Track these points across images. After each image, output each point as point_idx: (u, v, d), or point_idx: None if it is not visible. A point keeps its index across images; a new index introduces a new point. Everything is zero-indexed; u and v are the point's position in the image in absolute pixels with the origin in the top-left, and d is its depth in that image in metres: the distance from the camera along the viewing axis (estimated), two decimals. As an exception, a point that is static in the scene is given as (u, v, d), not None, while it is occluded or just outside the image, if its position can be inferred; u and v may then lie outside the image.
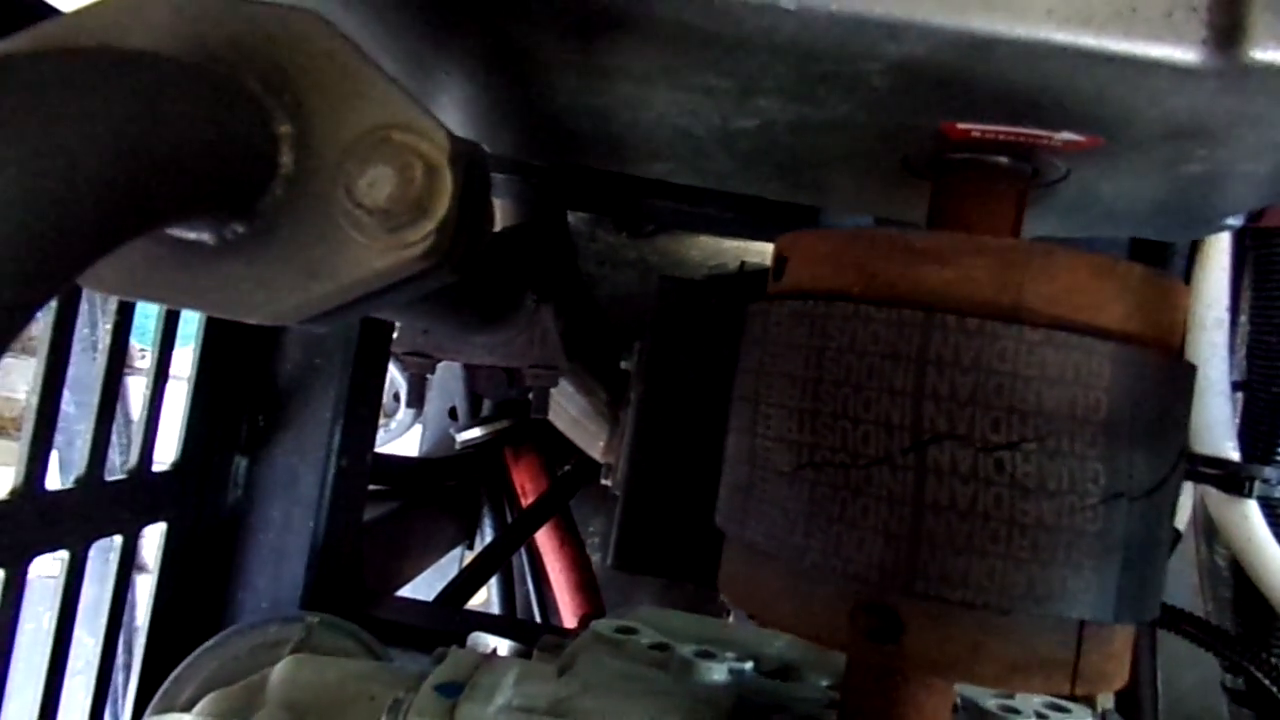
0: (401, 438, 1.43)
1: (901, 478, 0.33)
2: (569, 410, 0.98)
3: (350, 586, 0.76)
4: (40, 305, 0.20)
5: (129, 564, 0.59)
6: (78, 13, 0.27)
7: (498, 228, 0.84)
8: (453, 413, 1.25)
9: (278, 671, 0.43)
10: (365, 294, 0.28)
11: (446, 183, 0.27)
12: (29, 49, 0.27)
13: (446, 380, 1.29)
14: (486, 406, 1.19)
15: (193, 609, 0.66)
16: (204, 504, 0.67)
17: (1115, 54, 0.28)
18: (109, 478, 0.56)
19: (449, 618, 0.81)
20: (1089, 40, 0.28)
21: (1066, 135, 0.36)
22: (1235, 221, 0.45)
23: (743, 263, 1.11)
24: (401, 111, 0.27)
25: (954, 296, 0.34)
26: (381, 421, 1.43)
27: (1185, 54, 0.28)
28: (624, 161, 0.53)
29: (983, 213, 0.42)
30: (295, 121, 0.27)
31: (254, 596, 0.69)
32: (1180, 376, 0.36)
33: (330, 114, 0.27)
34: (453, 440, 1.21)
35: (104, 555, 0.58)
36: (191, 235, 0.27)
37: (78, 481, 0.53)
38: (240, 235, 0.27)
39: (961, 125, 0.38)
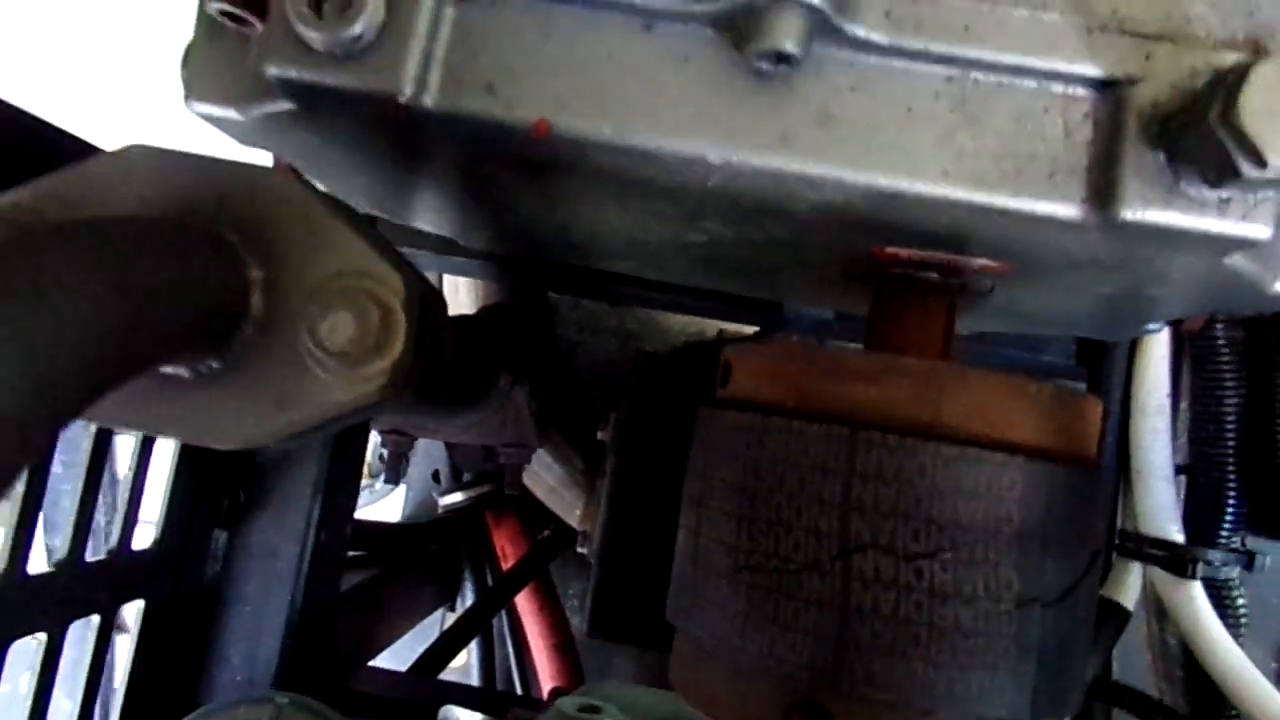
0: (384, 500, 1.44)
1: (829, 583, 0.36)
2: (547, 479, 1.00)
3: (325, 659, 0.77)
4: (39, 451, 0.23)
5: (105, 642, 0.60)
6: (73, 171, 0.30)
7: (475, 309, 0.87)
8: (436, 476, 1.27)
9: (245, 757, 0.45)
10: (327, 421, 0.31)
11: (400, 325, 0.30)
12: (28, 204, 0.30)
13: (430, 445, 1.31)
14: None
15: (168, 683, 0.67)
16: (182, 579, 0.69)
17: (1006, 210, 0.31)
18: (89, 558, 0.58)
19: (422, 689, 0.82)
20: (982, 198, 0.31)
21: (981, 261, 0.39)
22: (1156, 327, 0.48)
23: (720, 330, 1.15)
24: (361, 258, 0.30)
25: (878, 413, 0.37)
26: (365, 484, 1.45)
27: (1068, 210, 0.31)
28: (589, 259, 0.56)
29: (916, 321, 0.45)
30: (266, 267, 0.30)
31: (229, 671, 0.70)
32: (1090, 485, 0.38)
33: (297, 261, 0.30)
34: (435, 503, 1.22)
35: (81, 633, 0.59)
36: (170, 370, 0.30)
37: (58, 565, 0.55)
38: (214, 370, 0.30)
39: (889, 249, 0.41)
